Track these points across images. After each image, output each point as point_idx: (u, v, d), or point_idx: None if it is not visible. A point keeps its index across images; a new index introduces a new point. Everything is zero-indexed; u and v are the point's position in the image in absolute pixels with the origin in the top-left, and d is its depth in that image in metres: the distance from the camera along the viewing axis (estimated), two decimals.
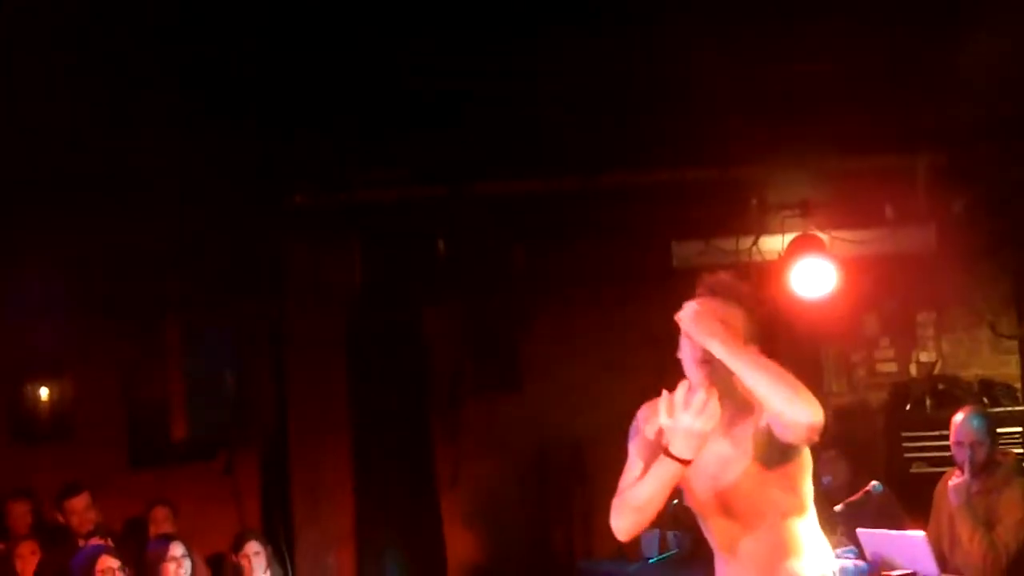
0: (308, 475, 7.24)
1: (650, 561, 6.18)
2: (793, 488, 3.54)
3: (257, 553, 6.83)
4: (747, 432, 3.52)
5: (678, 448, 3.33)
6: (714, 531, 3.65)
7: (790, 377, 3.28)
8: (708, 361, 3.43)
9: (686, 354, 3.51)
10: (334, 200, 7.06)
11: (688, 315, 3.41)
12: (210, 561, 7.17)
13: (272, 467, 7.48)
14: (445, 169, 6.84)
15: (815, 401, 3.27)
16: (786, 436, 3.38)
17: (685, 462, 3.35)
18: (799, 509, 3.56)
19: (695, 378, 3.47)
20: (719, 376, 3.45)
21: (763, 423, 3.45)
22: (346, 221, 7.20)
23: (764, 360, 3.34)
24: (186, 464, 7.47)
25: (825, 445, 6.11)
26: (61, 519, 6.75)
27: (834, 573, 3.73)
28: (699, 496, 3.60)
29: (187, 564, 6.27)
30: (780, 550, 3.54)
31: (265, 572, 6.86)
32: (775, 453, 3.46)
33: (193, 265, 6.99)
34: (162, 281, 7.06)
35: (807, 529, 3.58)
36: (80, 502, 6.71)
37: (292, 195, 7.02)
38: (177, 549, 6.28)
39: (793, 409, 3.25)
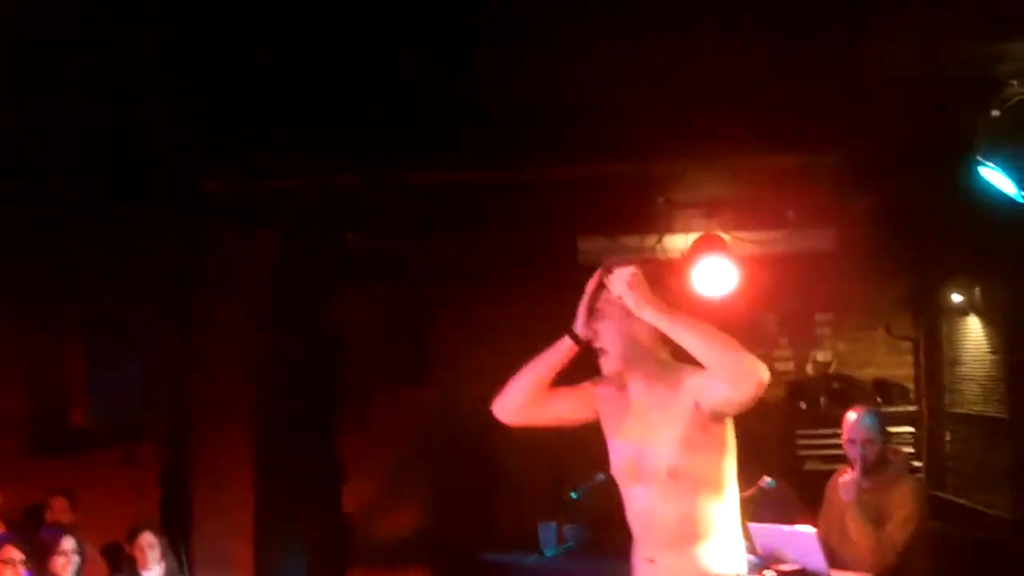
0: (209, 465, 7.18)
1: (547, 554, 6.22)
2: (710, 465, 3.59)
3: (151, 544, 6.75)
4: (669, 405, 3.58)
5: (579, 326, 3.64)
6: (630, 501, 3.75)
7: (731, 339, 3.37)
8: (627, 333, 3.58)
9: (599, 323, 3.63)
10: (247, 188, 7.01)
11: (622, 279, 3.47)
12: (108, 550, 7.09)
13: (174, 457, 7.40)
14: (357, 160, 6.81)
15: (758, 361, 3.33)
16: (717, 404, 3.45)
17: (580, 343, 3.64)
18: (715, 488, 3.60)
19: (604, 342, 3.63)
20: (640, 350, 3.60)
21: (687, 396, 3.52)
22: (258, 209, 7.14)
23: (702, 323, 3.41)
24: (87, 452, 7.35)
25: None
26: None
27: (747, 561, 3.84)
28: (618, 465, 3.74)
29: (76, 560, 6.20)
30: (691, 527, 3.60)
31: (159, 563, 6.79)
32: (696, 428, 3.53)
33: (101, 250, 6.87)
34: (68, 265, 6.94)
35: (721, 510, 3.62)
36: None
37: (205, 181, 6.96)
38: (68, 543, 6.21)
39: (739, 368, 3.32)
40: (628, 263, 3.57)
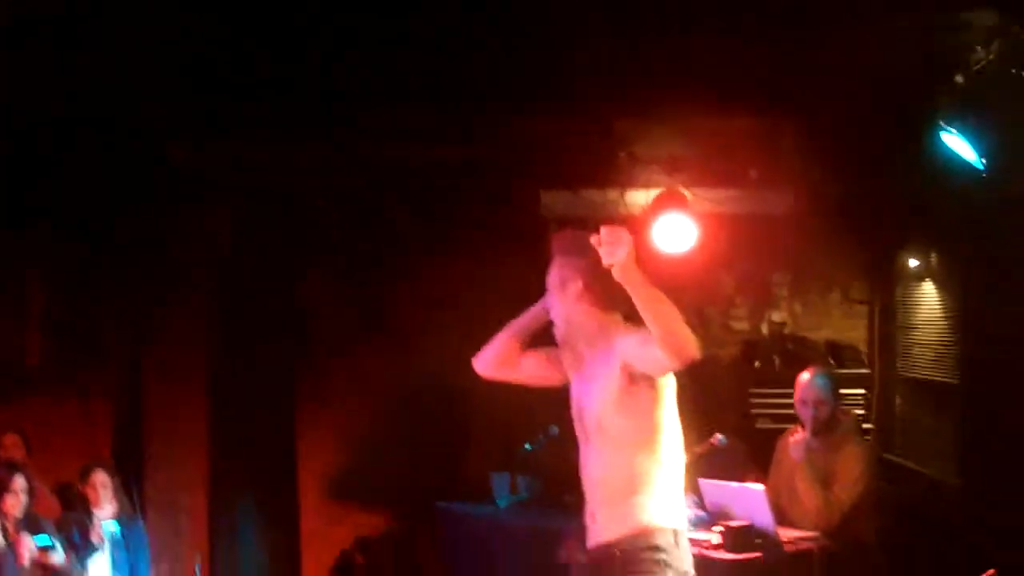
0: (163, 410, 7.16)
1: (500, 504, 6.25)
2: (640, 422, 3.69)
3: (104, 484, 6.75)
4: (602, 364, 3.74)
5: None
6: (581, 454, 3.88)
7: (679, 314, 3.50)
8: (589, 288, 3.73)
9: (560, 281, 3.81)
10: (210, 156, 6.97)
11: (622, 242, 3.50)
12: (60, 489, 7.07)
13: (127, 403, 7.37)
14: (321, 126, 6.78)
15: (695, 340, 3.50)
16: (647, 366, 3.61)
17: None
18: (647, 444, 3.70)
19: (566, 307, 3.81)
20: (582, 315, 3.77)
21: (616, 356, 3.68)
22: (222, 178, 7.10)
23: (661, 295, 3.52)
24: (40, 391, 7.30)
25: None
26: None
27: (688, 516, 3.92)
28: (574, 421, 3.92)
29: (24, 499, 6.19)
30: (628, 482, 3.69)
31: (111, 502, 6.79)
32: (623, 386, 3.66)
33: (54, 198, 6.81)
34: (23, 210, 6.86)
35: (655, 466, 3.71)
36: None
37: (167, 149, 6.91)
38: (19, 482, 6.19)
39: (683, 345, 3.47)
40: (553, 243, 3.90)
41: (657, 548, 3.64)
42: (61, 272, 7.05)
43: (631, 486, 3.69)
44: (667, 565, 3.64)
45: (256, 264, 7.30)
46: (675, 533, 3.70)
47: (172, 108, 6.39)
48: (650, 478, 3.69)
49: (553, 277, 3.86)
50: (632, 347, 3.62)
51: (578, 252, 3.74)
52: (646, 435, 3.70)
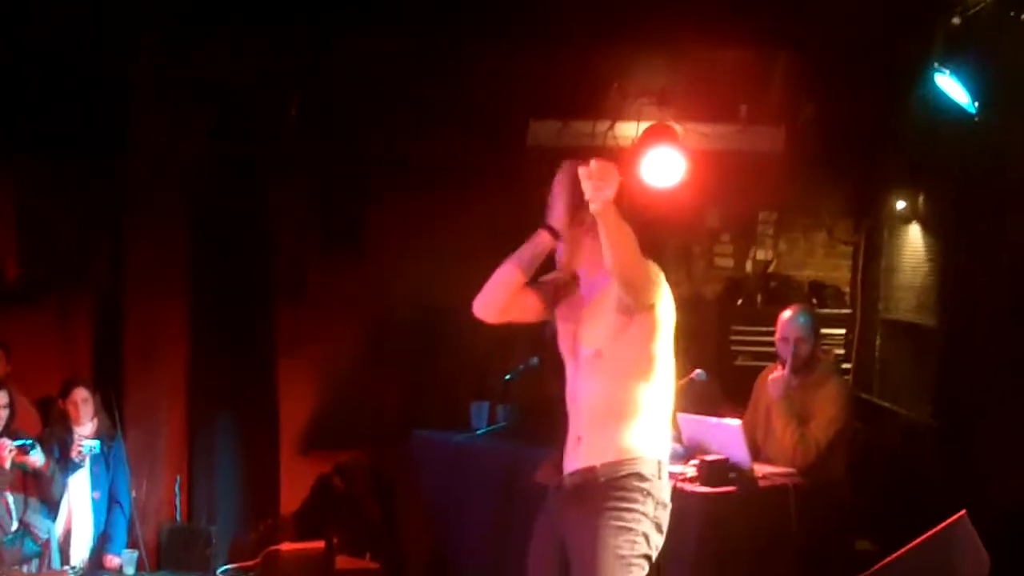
0: (142, 328, 7.12)
1: (478, 432, 6.27)
2: (637, 349, 3.71)
3: (85, 400, 6.76)
4: (603, 291, 3.76)
5: (555, 219, 3.77)
6: (568, 380, 3.89)
7: (641, 259, 3.59)
8: (582, 221, 3.72)
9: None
10: (184, 67, 6.88)
11: (607, 174, 3.49)
12: (39, 404, 7.07)
13: (107, 315, 7.34)
14: (297, 41, 6.71)
15: (649, 285, 3.61)
16: (625, 299, 3.64)
17: (555, 233, 3.76)
18: (642, 371, 3.72)
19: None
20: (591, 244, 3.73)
21: (614, 285, 3.68)
22: (196, 89, 7.02)
23: (630, 234, 3.55)
24: (18, 305, 7.26)
25: None
26: None
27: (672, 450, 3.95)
28: (561, 344, 3.92)
29: (5, 415, 6.20)
30: (619, 409, 3.71)
31: (92, 419, 6.80)
32: (623, 315, 3.68)
33: (35, 107, 6.73)
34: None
35: (647, 393, 3.73)
36: None
37: (141, 59, 6.82)
38: (1, 398, 6.19)
39: (632, 281, 3.59)
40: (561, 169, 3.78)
41: (641, 476, 3.66)
42: (35, 187, 6.97)
43: (622, 413, 3.71)
44: (648, 494, 3.67)
45: (230, 180, 7.23)
46: (659, 464, 3.73)
47: (144, 15, 6.30)
48: (641, 407, 3.72)
49: (563, 203, 3.77)
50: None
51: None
52: (642, 365, 3.72)
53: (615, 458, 3.68)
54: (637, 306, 3.63)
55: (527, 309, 3.95)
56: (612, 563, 3.60)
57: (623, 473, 3.66)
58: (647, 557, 3.67)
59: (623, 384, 3.70)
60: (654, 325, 3.71)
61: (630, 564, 3.62)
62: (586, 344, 3.77)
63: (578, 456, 3.78)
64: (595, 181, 3.47)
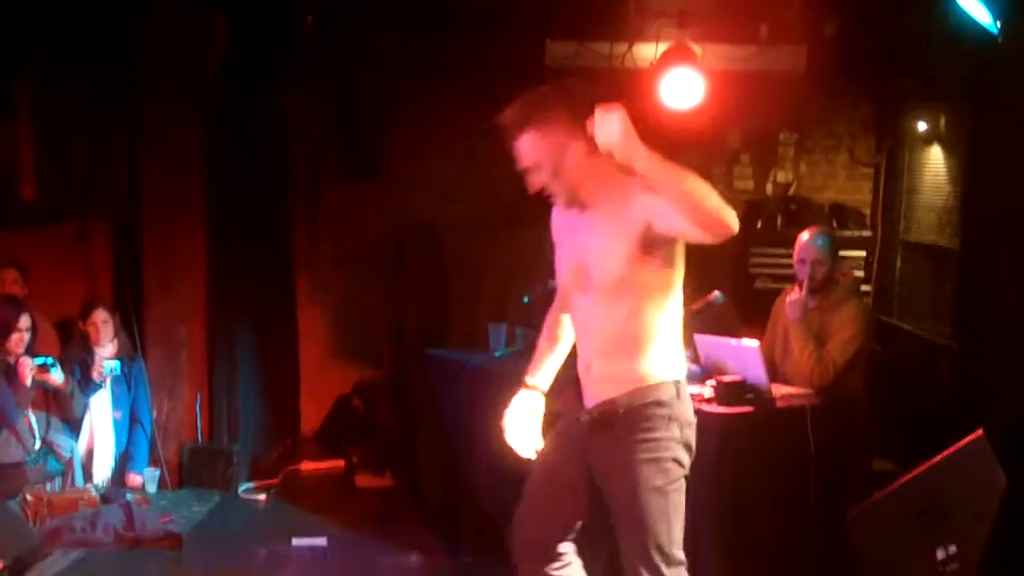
0: (161, 246, 7.12)
1: (496, 354, 6.29)
2: (657, 276, 3.62)
3: (105, 321, 6.81)
4: (619, 220, 3.60)
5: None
6: (575, 309, 3.83)
7: (710, 191, 3.34)
8: (565, 164, 3.60)
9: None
10: None
11: (614, 125, 3.38)
12: (58, 326, 7.12)
13: (125, 236, 7.34)
14: None
15: (732, 214, 3.36)
16: (679, 233, 3.51)
17: None
18: (658, 297, 3.65)
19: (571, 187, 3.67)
20: (584, 173, 3.63)
21: (641, 213, 3.53)
22: None
23: (684, 172, 3.35)
24: (36, 227, 7.27)
25: None
26: None
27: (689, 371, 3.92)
28: (564, 274, 3.84)
29: (28, 337, 6.24)
30: (632, 335, 3.65)
31: (112, 340, 6.86)
32: (645, 243, 3.56)
33: (48, 24, 6.67)
34: (14, 37, 6.73)
35: (662, 319, 3.67)
36: None
37: None
38: (24, 321, 6.23)
39: (715, 224, 3.33)
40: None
41: (660, 403, 3.64)
42: (51, 107, 6.92)
43: (639, 340, 3.65)
44: (671, 419, 3.65)
45: (246, 97, 7.18)
46: (676, 384, 3.70)
47: None
48: (656, 331, 3.66)
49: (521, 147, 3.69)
50: (660, 211, 3.45)
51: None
52: (659, 289, 3.64)
53: (632, 387, 3.65)
54: (718, 240, 3.37)
55: None
56: (650, 496, 3.61)
57: (643, 402, 3.63)
58: (683, 477, 3.68)
59: (637, 310, 3.63)
60: (675, 252, 3.64)
61: (667, 492, 3.62)
62: (598, 271, 3.66)
63: (594, 387, 3.74)
64: (600, 128, 3.41)
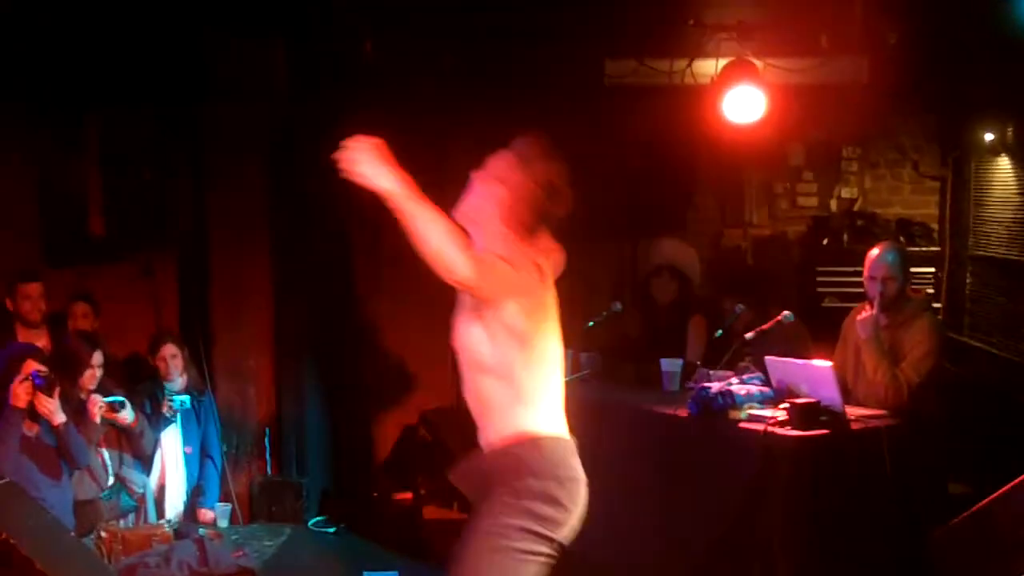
0: (228, 278, 7.17)
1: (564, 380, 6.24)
2: (483, 341, 3.56)
3: (174, 355, 6.84)
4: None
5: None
6: None
7: (445, 235, 3.41)
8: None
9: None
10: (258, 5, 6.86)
11: (363, 154, 3.50)
12: (127, 363, 7.17)
13: (192, 270, 7.40)
14: None
15: (457, 263, 3.37)
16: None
17: None
18: (491, 367, 3.56)
19: None
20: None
21: None
22: (272, 19, 6.98)
23: (431, 212, 3.44)
24: (104, 263, 7.34)
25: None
26: (10, 305, 6.72)
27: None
28: None
29: (99, 373, 6.28)
30: (478, 403, 3.63)
31: (182, 375, 6.88)
32: (468, 305, 3.60)
33: (115, 59, 6.75)
34: (82, 74, 6.82)
35: (500, 389, 3.57)
36: (35, 289, 6.71)
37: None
38: (97, 358, 6.27)
39: (437, 263, 3.39)
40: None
41: (513, 455, 3.55)
42: (117, 143, 7.00)
43: (483, 407, 3.61)
44: (529, 471, 3.51)
45: (308, 126, 7.21)
46: (534, 440, 3.56)
47: None
48: (496, 399, 3.58)
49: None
50: None
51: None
52: (489, 360, 3.56)
53: (496, 445, 3.59)
54: (455, 284, 3.42)
55: None
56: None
57: (501, 453, 3.57)
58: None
59: (481, 383, 3.59)
60: (497, 316, 3.54)
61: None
62: (456, 346, 3.66)
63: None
64: (345, 158, 3.46)
